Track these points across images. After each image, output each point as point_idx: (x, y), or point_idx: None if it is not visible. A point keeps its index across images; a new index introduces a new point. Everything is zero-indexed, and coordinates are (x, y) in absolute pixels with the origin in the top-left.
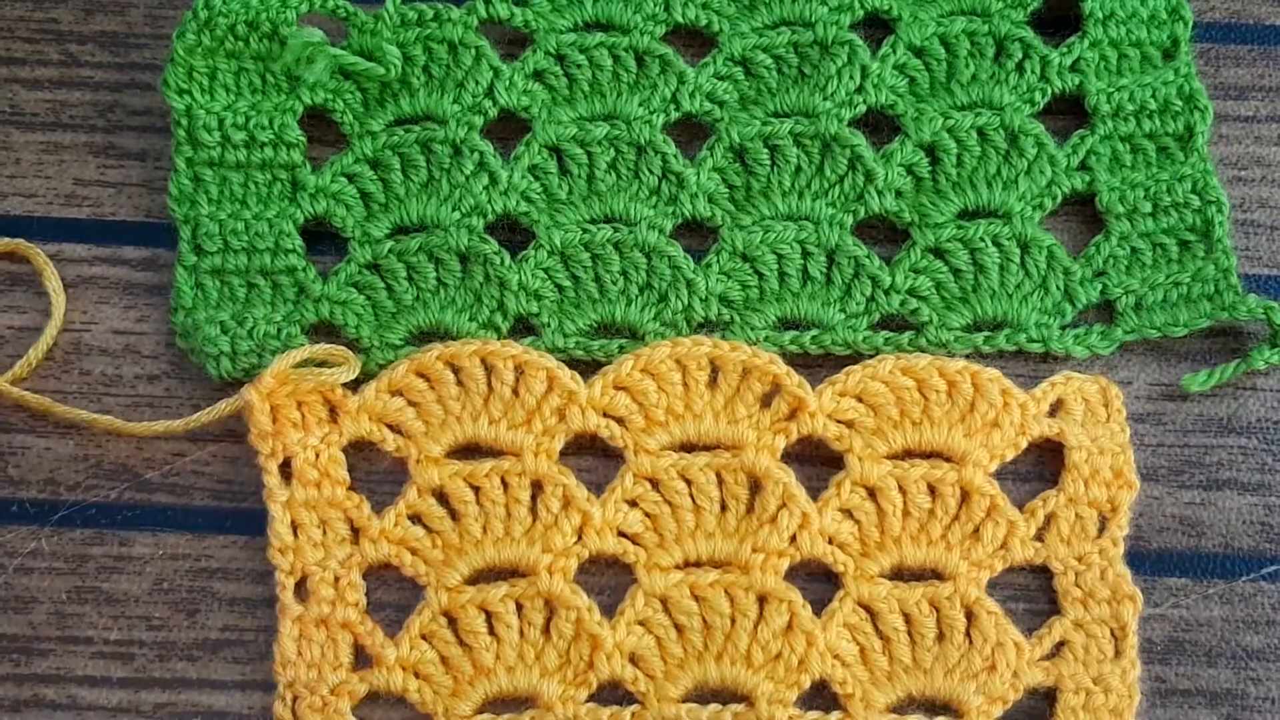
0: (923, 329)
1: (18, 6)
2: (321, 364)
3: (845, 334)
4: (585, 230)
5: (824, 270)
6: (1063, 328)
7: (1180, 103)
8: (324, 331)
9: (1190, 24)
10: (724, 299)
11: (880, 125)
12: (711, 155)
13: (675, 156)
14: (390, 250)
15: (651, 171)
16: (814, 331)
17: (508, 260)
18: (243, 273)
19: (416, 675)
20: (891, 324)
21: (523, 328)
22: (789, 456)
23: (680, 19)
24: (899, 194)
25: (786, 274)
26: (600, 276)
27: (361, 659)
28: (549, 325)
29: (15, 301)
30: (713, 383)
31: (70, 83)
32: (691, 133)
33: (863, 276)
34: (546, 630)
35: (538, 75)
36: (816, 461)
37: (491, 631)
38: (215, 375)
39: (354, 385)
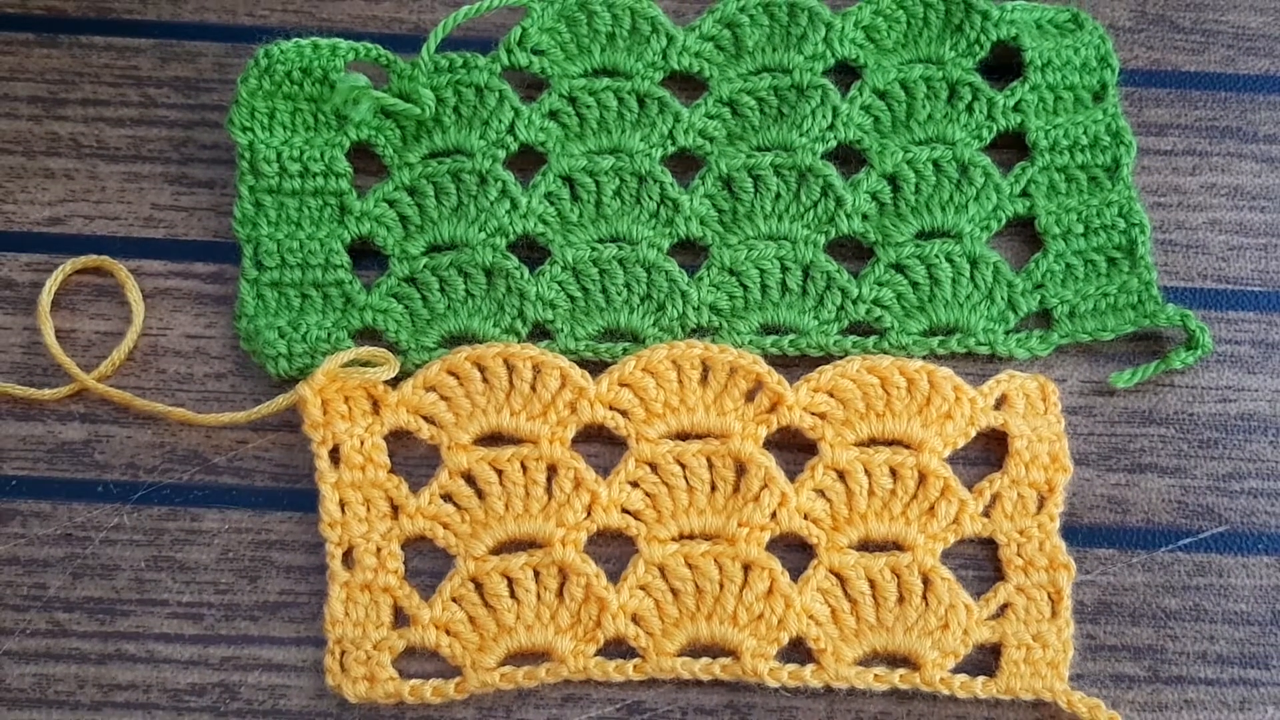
0: (885, 334)
1: (103, 55)
2: (366, 364)
3: (818, 338)
4: (594, 248)
5: (800, 283)
6: (1006, 333)
7: (1108, 138)
8: (368, 336)
9: (1117, 70)
10: (714, 308)
11: (849, 158)
12: (703, 184)
13: (671, 185)
14: (425, 266)
15: (651, 198)
16: (791, 336)
17: (526, 274)
18: (297, 285)
19: (448, 633)
20: (858, 329)
21: (539, 333)
22: (770, 444)
23: (676, 66)
24: (865, 217)
25: (768, 286)
26: (607, 288)
27: (400, 619)
28: (562, 330)
29: (101, 310)
30: (704, 380)
31: (149, 121)
32: (686, 164)
33: (833, 288)
34: (560, 594)
35: (553, 114)
36: (794, 448)
37: (513, 595)
38: (274, 373)
39: (393, 382)
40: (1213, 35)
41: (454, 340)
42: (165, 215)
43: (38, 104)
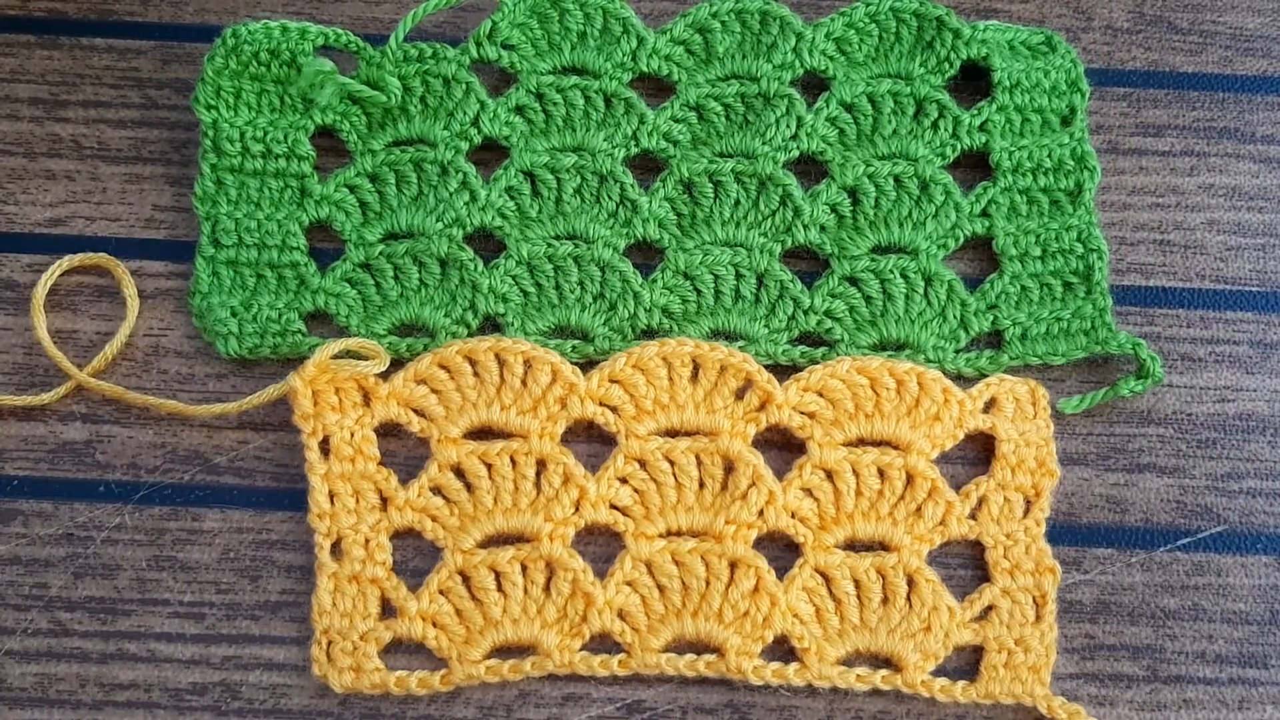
0: (834, 346)
1: (105, 57)
2: (356, 355)
3: (767, 346)
4: (550, 245)
5: (754, 290)
6: (957, 351)
7: (1073, 163)
8: (319, 319)
9: (1087, 95)
10: (665, 310)
11: (810, 169)
12: (663, 186)
13: (632, 186)
14: (381, 253)
15: (610, 198)
16: (741, 343)
17: (481, 267)
18: (253, 265)
19: (435, 625)
20: (808, 340)
21: (490, 326)
22: (759, 442)
23: (645, 68)
24: (822, 228)
25: (721, 292)
26: (560, 285)
27: (387, 611)
28: (513, 325)
29: (102, 311)
30: (694, 378)
31: (149, 122)
32: (647, 166)
33: (786, 298)
34: (547, 589)
35: (518, 110)
36: (782, 447)
37: (499, 589)
38: (224, 352)
39: (381, 373)
40: (1210, 36)
41: (405, 328)
42: (166, 216)
43: (39, 105)
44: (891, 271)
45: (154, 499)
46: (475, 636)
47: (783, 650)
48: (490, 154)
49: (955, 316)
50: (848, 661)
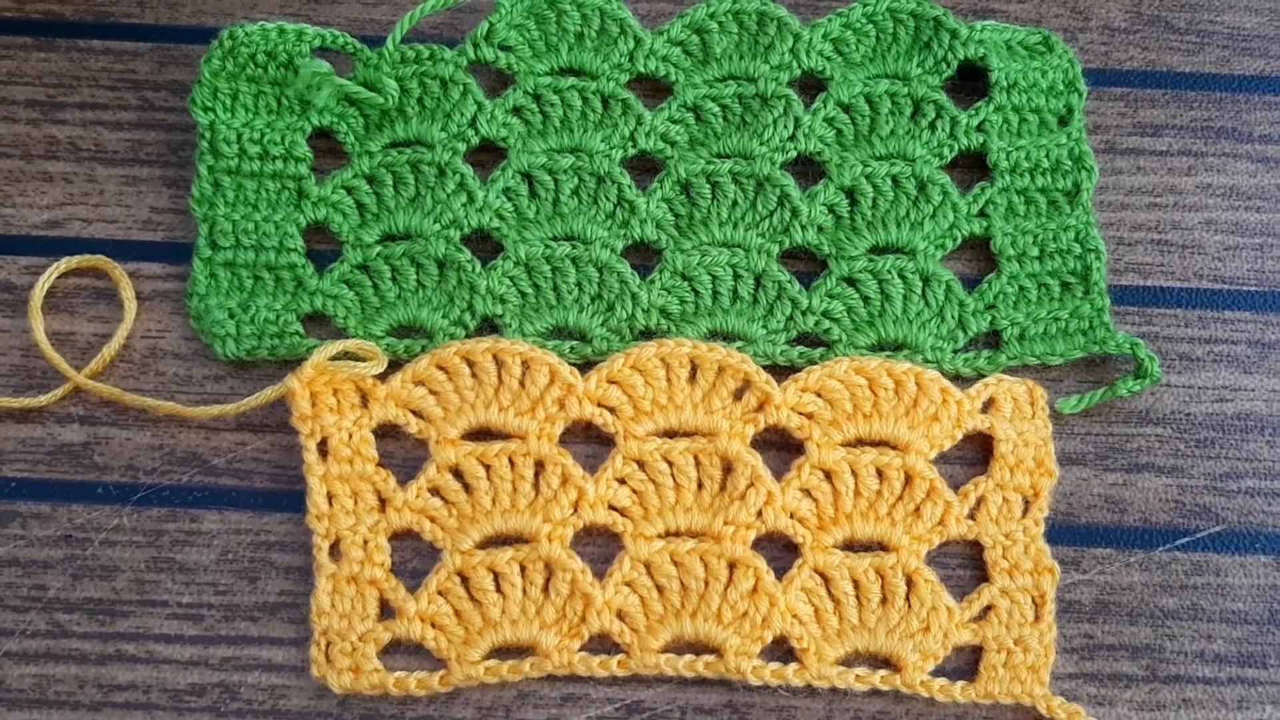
0: (833, 346)
1: (101, 59)
2: (353, 357)
3: (765, 347)
4: (547, 246)
5: (751, 291)
6: (955, 352)
7: (1070, 163)
8: (317, 321)
9: (1084, 95)
10: (664, 311)
11: (808, 169)
12: (661, 187)
13: (629, 187)
14: (378, 254)
15: (608, 199)
16: (739, 344)
17: (478, 268)
18: (250, 266)
19: (433, 626)
20: (806, 340)
21: (488, 327)
22: (757, 443)
23: (642, 69)
24: (820, 229)
25: (719, 293)
26: (558, 286)
27: (386, 612)
28: (511, 326)
29: (100, 313)
30: (692, 379)
31: (147, 124)
32: (645, 167)
33: (784, 298)
34: (546, 589)
35: (516, 111)
36: (781, 447)
37: (498, 589)
38: (221, 354)
39: (379, 375)
40: (1208, 36)
41: (402, 329)
42: (163, 218)
43: (36, 107)
44: (889, 272)
45: (152, 500)
46: (474, 637)
47: (782, 650)
48: (488, 155)
49: (953, 317)
50: (847, 662)
